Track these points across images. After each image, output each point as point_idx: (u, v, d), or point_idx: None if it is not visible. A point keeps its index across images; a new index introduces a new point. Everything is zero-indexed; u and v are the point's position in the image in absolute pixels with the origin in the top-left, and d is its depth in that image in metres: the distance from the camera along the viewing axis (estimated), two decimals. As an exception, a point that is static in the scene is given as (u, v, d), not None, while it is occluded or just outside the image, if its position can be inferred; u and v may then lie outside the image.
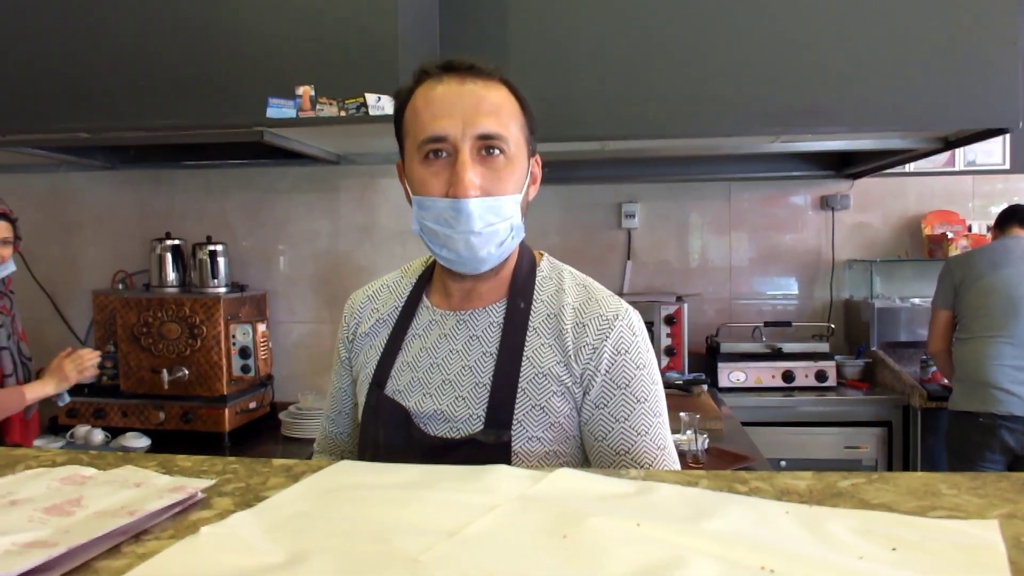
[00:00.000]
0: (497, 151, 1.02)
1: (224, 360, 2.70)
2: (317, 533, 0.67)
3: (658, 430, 1.07)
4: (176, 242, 2.86)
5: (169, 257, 2.84)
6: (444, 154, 1.02)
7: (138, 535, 0.69)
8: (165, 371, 2.65)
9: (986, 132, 2.50)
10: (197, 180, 3.07)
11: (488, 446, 1.04)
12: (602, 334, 1.06)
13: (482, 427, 1.05)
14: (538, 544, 0.64)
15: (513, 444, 1.04)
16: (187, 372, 2.70)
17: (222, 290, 2.81)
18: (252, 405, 2.86)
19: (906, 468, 3.01)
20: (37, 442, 2.69)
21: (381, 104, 2.13)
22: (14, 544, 0.61)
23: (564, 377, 1.06)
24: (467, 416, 1.06)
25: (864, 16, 2.37)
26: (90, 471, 0.81)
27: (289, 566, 0.60)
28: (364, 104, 2.14)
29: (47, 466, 0.89)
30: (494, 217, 1.02)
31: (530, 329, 1.09)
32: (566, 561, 0.61)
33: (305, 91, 2.15)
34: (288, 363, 3.07)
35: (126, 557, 0.65)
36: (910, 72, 2.37)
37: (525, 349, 1.07)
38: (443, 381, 1.09)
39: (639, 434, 1.05)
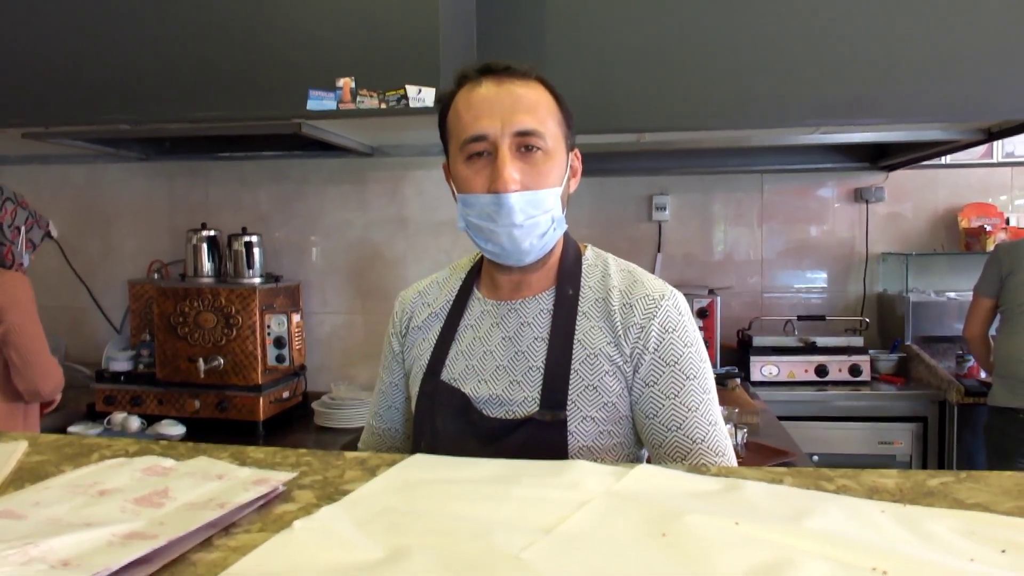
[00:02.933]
0: (535, 148, 1.06)
1: (259, 350, 2.71)
2: (412, 529, 0.66)
3: (708, 406, 1.09)
4: (212, 233, 2.87)
5: (205, 248, 2.85)
6: (486, 154, 1.06)
7: (227, 528, 0.68)
8: (201, 360, 2.67)
9: (1031, 123, 2.45)
10: (231, 171, 3.07)
11: (545, 425, 1.06)
12: (649, 313, 1.09)
13: (537, 408, 1.07)
14: (639, 542, 0.63)
15: (568, 423, 1.06)
16: (222, 361, 2.71)
17: (257, 280, 2.82)
18: (285, 395, 2.87)
19: (941, 464, 2.98)
20: (75, 428, 2.72)
21: (422, 96, 2.12)
22: (114, 535, 0.60)
23: (615, 357, 1.08)
24: (523, 399, 1.09)
25: (906, 5, 2.33)
26: (169, 462, 0.81)
27: (391, 562, 0.59)
28: (405, 96, 2.13)
29: (121, 456, 0.89)
30: (534, 210, 1.06)
31: (579, 313, 1.12)
32: (671, 560, 0.60)
33: (346, 83, 2.14)
34: (320, 353, 3.08)
35: (219, 550, 0.64)
36: (952, 62, 2.32)
37: (576, 332, 1.10)
38: (497, 367, 1.12)
39: (690, 410, 1.07)
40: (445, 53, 2.16)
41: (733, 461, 1.09)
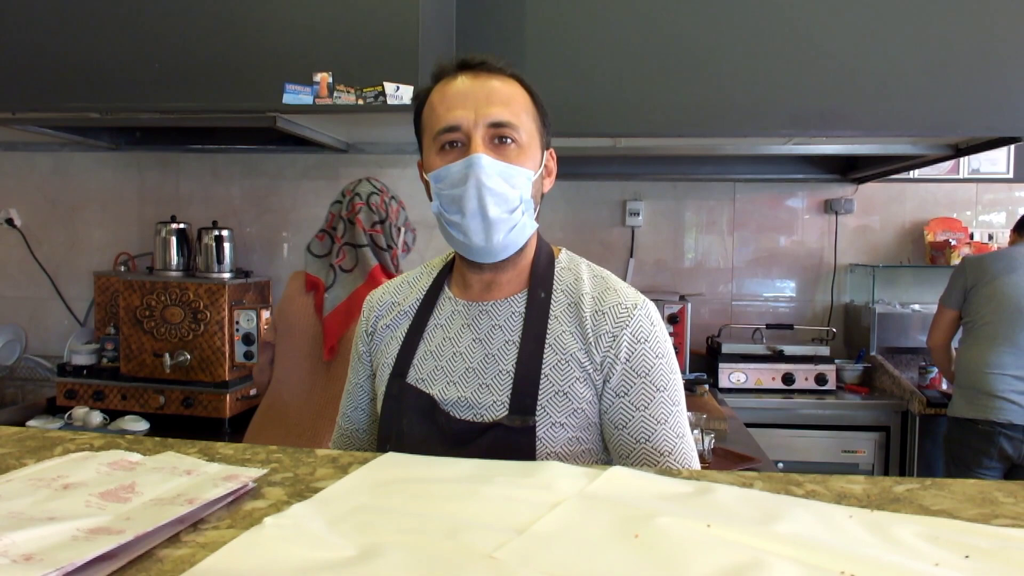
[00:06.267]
0: (509, 140, 1.06)
1: (227, 346, 2.68)
2: (384, 527, 0.65)
3: (677, 419, 1.08)
4: (181, 226, 2.83)
5: (174, 241, 2.81)
6: (459, 144, 1.06)
7: (196, 524, 0.67)
8: (167, 355, 2.63)
9: (997, 141, 2.51)
10: (203, 164, 3.03)
11: (513, 431, 1.04)
12: (621, 322, 1.08)
13: (506, 413, 1.05)
14: (611, 543, 0.63)
15: (537, 429, 1.05)
16: (189, 357, 2.68)
17: (227, 275, 2.78)
18: (252, 392, 2.83)
19: (902, 473, 3.03)
20: (34, 423, 2.66)
21: (399, 93, 2.11)
22: (79, 530, 0.59)
23: (585, 363, 1.07)
24: (491, 403, 1.07)
25: (879, 21, 2.37)
26: (136, 456, 0.80)
27: (363, 560, 0.59)
28: (382, 93, 2.11)
29: (85, 449, 0.87)
30: (504, 182, 1.05)
31: (551, 316, 1.10)
32: (644, 561, 0.60)
33: (323, 78, 2.12)
34: (289, 351, 3.04)
35: (187, 546, 0.63)
36: (924, 78, 2.37)
37: (547, 336, 1.09)
38: (466, 369, 1.10)
39: (659, 422, 1.06)
40: (424, 51, 2.16)
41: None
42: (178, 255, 2.81)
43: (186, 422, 2.70)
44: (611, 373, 1.07)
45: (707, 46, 2.40)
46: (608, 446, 1.10)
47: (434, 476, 0.79)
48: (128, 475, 0.73)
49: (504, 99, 1.07)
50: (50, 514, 0.62)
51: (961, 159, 3.38)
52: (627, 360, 1.07)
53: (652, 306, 1.12)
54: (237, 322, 2.70)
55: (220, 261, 2.79)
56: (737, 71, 2.40)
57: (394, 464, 0.84)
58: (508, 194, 1.05)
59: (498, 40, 2.46)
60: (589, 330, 1.08)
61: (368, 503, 0.71)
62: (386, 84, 2.12)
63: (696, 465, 1.09)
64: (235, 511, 0.70)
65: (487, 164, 1.04)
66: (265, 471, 0.78)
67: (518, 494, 0.74)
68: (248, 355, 2.72)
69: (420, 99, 1.14)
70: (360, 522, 0.66)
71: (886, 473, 3.04)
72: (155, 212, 2.97)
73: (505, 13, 2.46)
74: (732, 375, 3.24)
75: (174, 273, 2.81)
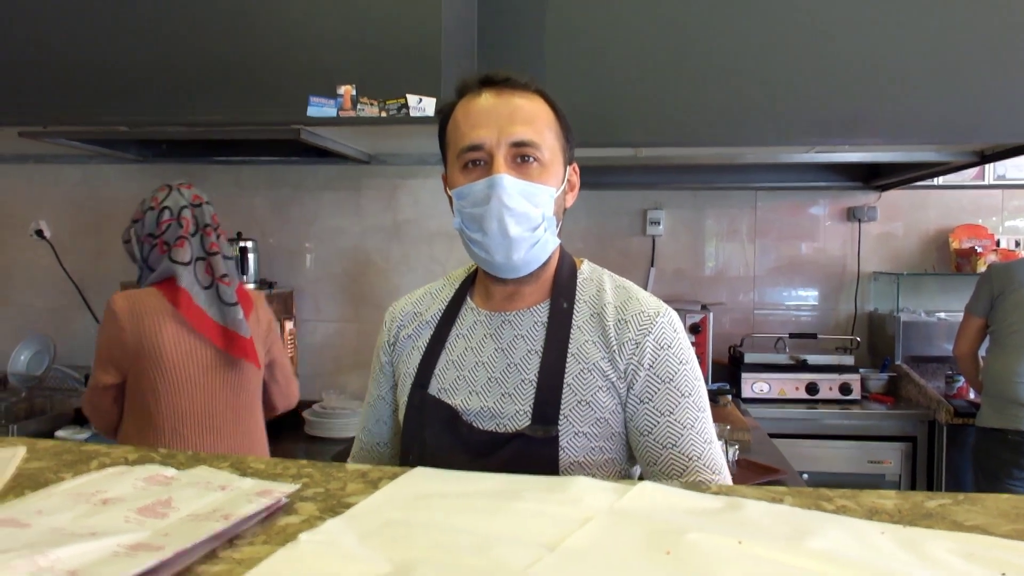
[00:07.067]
0: (531, 159, 1.07)
1: (251, 357, 2.70)
2: (417, 543, 0.66)
3: (703, 424, 1.08)
4: (206, 237, 2.85)
5: (199, 252, 2.83)
6: (482, 163, 1.07)
7: (231, 540, 0.68)
8: (193, 366, 2.64)
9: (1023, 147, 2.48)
10: (227, 175, 3.07)
11: (536, 441, 1.05)
12: (644, 330, 1.08)
13: (529, 423, 1.06)
14: (643, 559, 0.63)
15: (560, 439, 1.05)
16: (214, 368, 2.69)
17: (252, 286, 2.81)
18: (275, 403, 2.85)
19: (930, 484, 2.99)
20: (62, 432, 2.69)
21: (422, 106, 2.12)
22: (120, 546, 0.60)
23: (608, 372, 1.08)
24: (514, 412, 1.08)
25: (903, 28, 2.35)
26: (171, 471, 0.81)
27: (398, 576, 0.59)
28: (405, 105, 2.13)
29: (120, 464, 0.89)
30: (526, 201, 1.06)
31: (574, 327, 1.11)
32: (677, 579, 0.60)
33: (347, 90, 2.15)
34: (311, 361, 3.07)
35: (224, 563, 0.64)
36: (949, 85, 2.35)
37: (570, 345, 1.10)
38: (489, 379, 1.11)
39: (684, 427, 1.06)
40: (447, 63, 2.17)
41: (728, 479, 1.09)
42: (203, 266, 2.84)
43: (211, 432, 2.72)
44: (635, 380, 1.07)
45: (729, 55, 2.39)
46: (635, 455, 1.10)
47: (463, 491, 0.80)
48: (164, 490, 0.74)
49: (527, 117, 1.07)
50: (91, 529, 0.63)
51: (986, 166, 3.35)
52: (651, 366, 1.07)
53: (674, 314, 1.13)
54: (262, 332, 2.73)
55: (244, 272, 2.82)
56: (759, 80, 2.40)
57: (423, 479, 0.84)
58: (530, 213, 1.07)
59: (519, 52, 2.47)
60: (612, 338, 1.08)
61: (400, 518, 0.72)
62: (409, 96, 2.14)
63: (726, 471, 1.09)
64: (269, 527, 0.71)
65: (509, 184, 1.05)
66: (298, 486, 0.79)
67: (547, 509, 0.74)
68: (271, 366, 2.75)
69: (445, 114, 1.15)
70: (393, 537, 0.67)
71: (913, 484, 3.01)
72: (180, 224, 3.00)
73: (526, 25, 2.48)
74: (755, 385, 3.22)
75: (199, 284, 2.83)
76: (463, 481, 0.84)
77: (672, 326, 1.10)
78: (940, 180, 3.39)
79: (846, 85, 2.38)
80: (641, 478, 1.13)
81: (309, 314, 3.05)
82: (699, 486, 0.86)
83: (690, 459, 1.05)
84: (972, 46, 2.34)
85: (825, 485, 0.85)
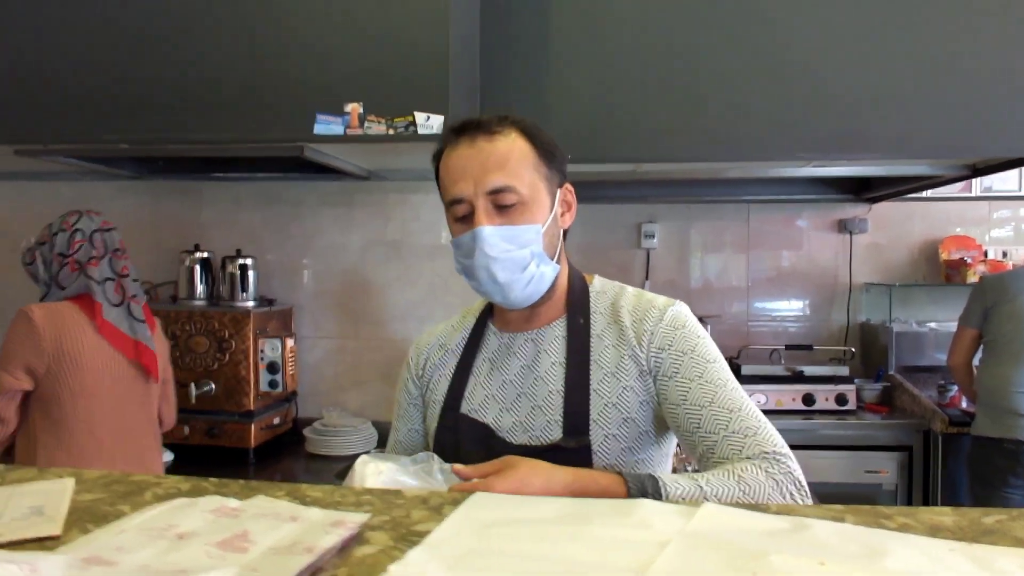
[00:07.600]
0: (510, 204, 1.11)
1: (252, 375, 2.68)
2: (503, 571, 0.66)
3: (734, 385, 1.11)
4: (205, 254, 2.83)
5: (198, 269, 2.81)
6: (467, 215, 1.12)
7: (314, 573, 0.67)
8: (192, 384, 2.62)
9: (1015, 161, 2.54)
10: (225, 192, 3.04)
11: (570, 452, 1.08)
12: (658, 318, 1.15)
13: (560, 432, 1.10)
14: (733, 585, 0.64)
15: (592, 443, 1.10)
16: (214, 386, 2.67)
17: (251, 304, 2.79)
18: (276, 421, 2.83)
19: (926, 493, 3.03)
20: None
21: (430, 123, 2.13)
22: (214, 583, 0.59)
23: (632, 370, 1.13)
24: (544, 423, 1.12)
25: (897, 44, 2.40)
26: (234, 503, 0.80)
27: (496, 608, 0.59)
28: (413, 123, 2.14)
29: (172, 493, 0.88)
30: (509, 244, 1.11)
31: (593, 335, 1.17)
32: (772, 604, 0.61)
33: (354, 108, 2.15)
34: (311, 379, 3.04)
35: (312, 596, 0.64)
36: (943, 102, 2.40)
37: (591, 353, 1.15)
38: (518, 395, 1.16)
39: (717, 385, 1.09)
40: (455, 80, 2.18)
41: (774, 433, 1.06)
42: (202, 284, 2.82)
43: (211, 452, 2.69)
44: (659, 363, 1.12)
45: (729, 73, 2.43)
46: (677, 435, 1.13)
47: (530, 517, 0.80)
48: (236, 523, 0.73)
49: (499, 162, 1.11)
50: (178, 566, 0.62)
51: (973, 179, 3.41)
52: (671, 345, 1.12)
53: (686, 306, 1.19)
54: (262, 351, 2.71)
55: (244, 289, 2.80)
56: (755, 97, 2.43)
57: (486, 505, 0.84)
58: (516, 255, 1.11)
59: (520, 69, 2.49)
60: (631, 335, 1.14)
61: (477, 547, 0.72)
62: (417, 114, 2.14)
63: (771, 428, 1.06)
64: (347, 558, 0.71)
65: (489, 235, 1.09)
66: (370, 515, 0.78)
67: (620, 534, 0.75)
68: (273, 384, 2.73)
69: (437, 160, 1.19)
70: (478, 567, 0.67)
71: (910, 493, 3.04)
72: (176, 241, 2.97)
73: (527, 42, 2.49)
74: (752, 396, 3.23)
75: (199, 302, 2.81)
76: (525, 507, 0.84)
77: (684, 313, 1.17)
78: (928, 192, 3.45)
79: (840, 102, 2.42)
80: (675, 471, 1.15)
81: (308, 331, 3.03)
82: (761, 507, 0.87)
83: (731, 411, 1.06)
84: (966, 64, 2.39)
85: (823, 496, 0.86)
